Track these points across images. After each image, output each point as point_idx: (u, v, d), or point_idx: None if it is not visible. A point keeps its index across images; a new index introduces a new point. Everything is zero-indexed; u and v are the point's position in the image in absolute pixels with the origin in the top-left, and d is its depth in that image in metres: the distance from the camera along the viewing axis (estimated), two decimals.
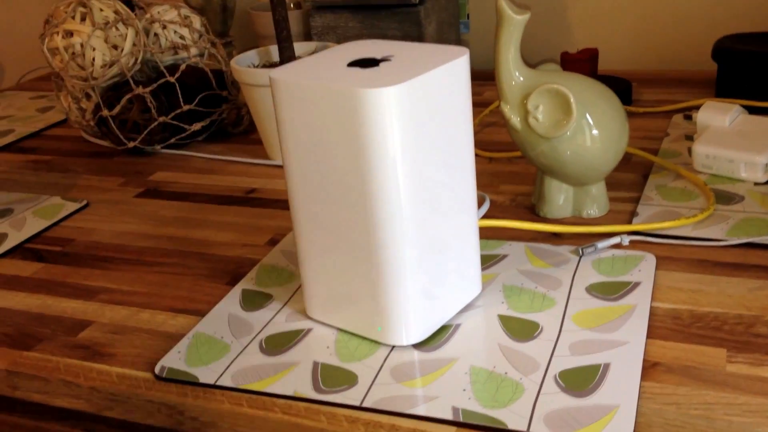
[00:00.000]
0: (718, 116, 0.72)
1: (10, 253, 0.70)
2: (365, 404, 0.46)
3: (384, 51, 0.51)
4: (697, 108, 0.86)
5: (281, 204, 0.74)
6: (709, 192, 0.66)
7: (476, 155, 0.80)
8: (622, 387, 0.45)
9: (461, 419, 0.44)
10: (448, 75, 0.47)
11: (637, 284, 0.55)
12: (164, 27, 0.90)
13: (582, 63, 0.92)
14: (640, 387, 0.45)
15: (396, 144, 0.45)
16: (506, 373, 0.47)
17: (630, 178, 0.72)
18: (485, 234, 0.64)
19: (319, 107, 0.46)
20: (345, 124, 0.45)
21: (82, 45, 0.86)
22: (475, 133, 0.87)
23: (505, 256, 0.60)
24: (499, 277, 0.57)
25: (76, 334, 0.57)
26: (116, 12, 0.87)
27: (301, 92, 0.47)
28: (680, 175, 0.71)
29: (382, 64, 0.48)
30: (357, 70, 0.47)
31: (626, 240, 0.60)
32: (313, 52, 0.87)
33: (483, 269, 0.59)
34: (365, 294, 0.50)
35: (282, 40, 0.79)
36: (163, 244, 0.69)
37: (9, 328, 0.58)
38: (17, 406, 0.57)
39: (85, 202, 0.79)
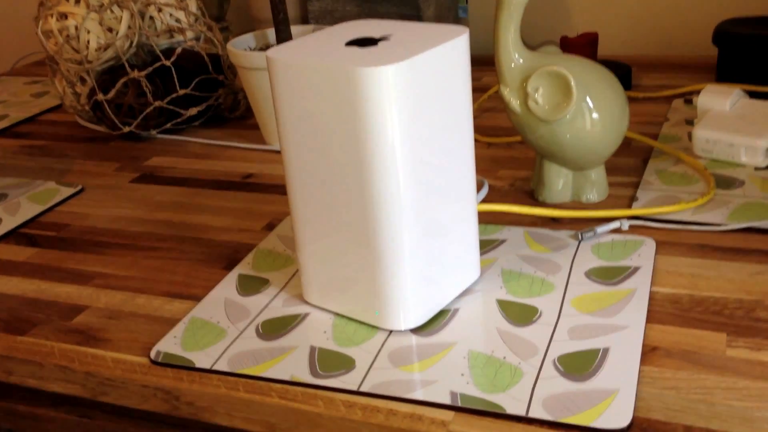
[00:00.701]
0: (719, 100, 0.71)
1: (4, 237, 0.70)
2: (363, 389, 0.46)
3: (383, 30, 0.50)
4: (698, 92, 0.85)
5: (278, 189, 0.74)
6: (709, 176, 0.65)
7: (475, 140, 0.79)
8: (621, 371, 0.45)
9: (459, 404, 0.44)
10: (448, 54, 0.47)
11: (636, 269, 0.54)
12: (160, 10, 0.89)
13: (581, 47, 0.91)
14: (640, 371, 0.45)
15: (395, 124, 0.45)
16: (505, 357, 0.47)
17: (630, 163, 0.71)
18: (484, 219, 0.64)
19: (317, 86, 0.46)
20: (343, 103, 0.45)
21: (76, 27, 0.85)
22: (474, 118, 0.86)
23: (503, 241, 0.60)
24: (498, 262, 0.57)
25: (71, 318, 0.56)
26: None
27: (299, 71, 0.46)
28: (680, 159, 0.70)
29: (380, 43, 0.47)
30: (355, 49, 0.47)
31: (626, 225, 0.59)
32: None
33: (482, 254, 0.58)
34: (363, 278, 0.50)
35: (279, 23, 0.79)
36: (158, 229, 0.68)
37: (3, 312, 0.58)
38: (11, 391, 0.56)
39: (80, 187, 0.78)
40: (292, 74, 0.46)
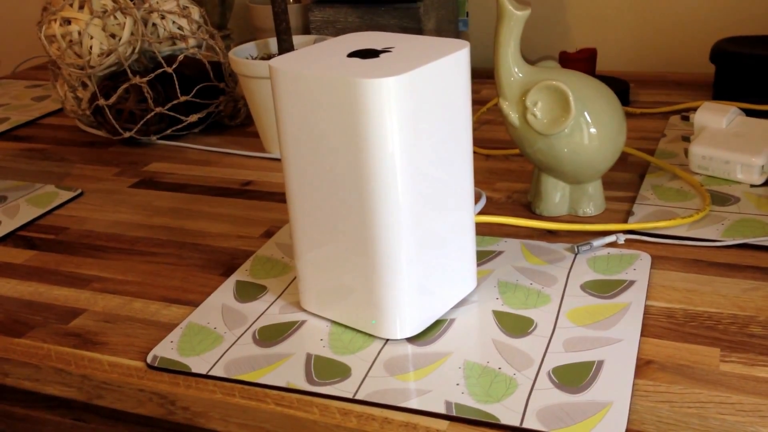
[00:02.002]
0: (715, 118, 0.72)
1: (2, 240, 0.70)
2: (358, 397, 0.46)
3: (385, 42, 0.50)
4: (695, 109, 0.86)
5: (277, 197, 0.74)
6: (704, 193, 0.66)
7: (473, 152, 0.80)
8: (615, 384, 0.45)
9: (454, 413, 0.44)
10: (449, 67, 0.47)
11: (632, 282, 0.55)
12: (162, 17, 0.90)
13: (580, 63, 0.92)
14: (634, 384, 0.45)
15: (395, 135, 0.45)
16: (500, 368, 0.47)
17: (626, 178, 0.72)
18: (481, 230, 0.64)
19: (319, 96, 0.46)
20: (344, 114, 0.45)
21: (79, 33, 0.85)
22: (473, 131, 0.87)
23: (500, 253, 0.60)
24: (495, 273, 0.57)
25: (68, 321, 0.56)
26: (114, 0, 0.86)
27: (301, 81, 0.47)
28: (676, 175, 0.71)
29: (382, 55, 0.48)
30: (357, 60, 0.47)
31: (622, 239, 0.60)
32: None
33: (478, 265, 0.58)
34: (360, 287, 0.50)
35: (281, 32, 0.79)
36: (157, 234, 0.69)
37: (0, 314, 0.58)
38: (7, 393, 0.56)
39: (79, 191, 0.78)
40: (295, 84, 0.47)
